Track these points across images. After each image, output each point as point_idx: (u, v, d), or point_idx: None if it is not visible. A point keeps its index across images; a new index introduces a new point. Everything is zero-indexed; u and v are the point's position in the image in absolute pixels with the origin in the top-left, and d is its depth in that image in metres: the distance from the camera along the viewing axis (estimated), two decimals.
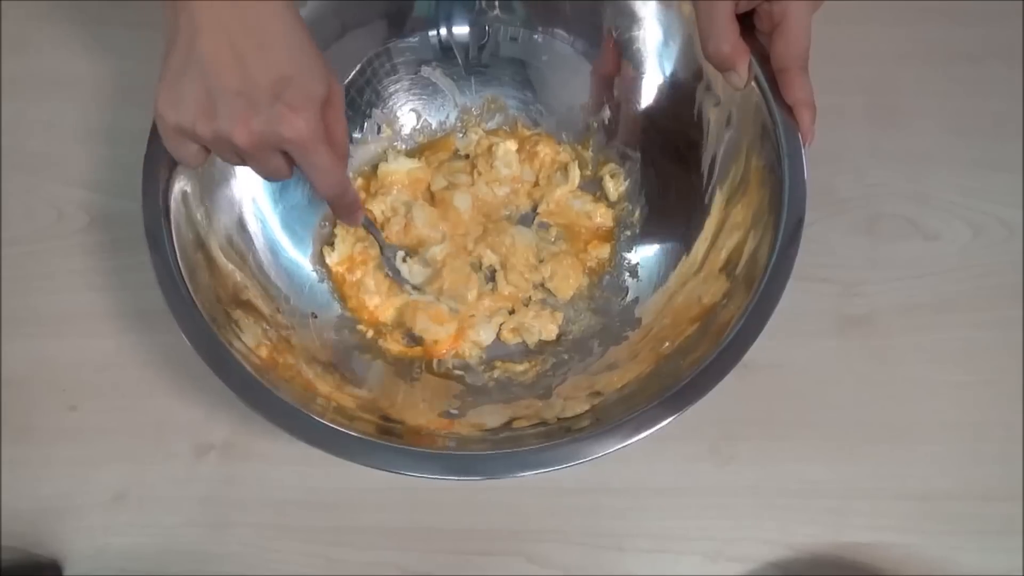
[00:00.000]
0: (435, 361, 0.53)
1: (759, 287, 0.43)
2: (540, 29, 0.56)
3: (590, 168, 0.58)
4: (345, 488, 0.51)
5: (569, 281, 0.55)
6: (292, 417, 0.41)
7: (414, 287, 0.55)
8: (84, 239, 0.57)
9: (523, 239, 0.56)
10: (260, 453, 0.52)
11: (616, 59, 0.55)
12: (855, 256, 0.57)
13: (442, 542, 0.51)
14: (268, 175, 0.41)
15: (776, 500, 0.51)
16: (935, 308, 0.55)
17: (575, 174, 0.58)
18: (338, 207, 0.46)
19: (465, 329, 0.54)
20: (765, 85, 0.46)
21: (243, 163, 0.41)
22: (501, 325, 0.54)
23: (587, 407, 0.46)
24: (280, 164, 0.40)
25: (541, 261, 0.56)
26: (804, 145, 0.46)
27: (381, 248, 0.55)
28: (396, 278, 0.55)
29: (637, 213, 0.56)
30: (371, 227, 0.54)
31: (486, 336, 0.54)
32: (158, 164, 0.46)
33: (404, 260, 0.55)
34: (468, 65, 0.58)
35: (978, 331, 0.55)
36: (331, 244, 0.55)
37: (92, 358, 0.54)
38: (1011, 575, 0.49)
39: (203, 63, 0.37)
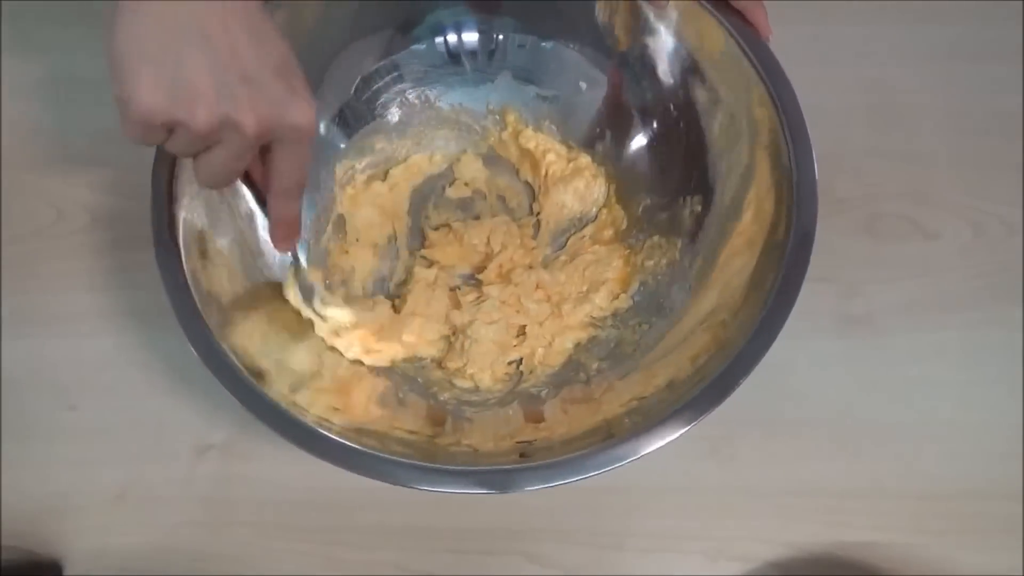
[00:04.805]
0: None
1: (770, 295, 0.43)
2: (548, 37, 0.55)
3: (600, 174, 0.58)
4: (345, 488, 0.51)
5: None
6: (319, 441, 0.41)
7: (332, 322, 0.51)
8: (84, 238, 0.57)
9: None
10: (260, 453, 0.52)
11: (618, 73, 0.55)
12: (855, 256, 0.57)
13: (442, 542, 0.51)
14: (220, 175, 0.37)
15: (776, 500, 0.51)
16: (935, 308, 0.55)
17: (600, 190, 0.57)
18: (286, 220, 0.43)
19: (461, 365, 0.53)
20: (765, 78, 0.47)
21: (198, 153, 0.37)
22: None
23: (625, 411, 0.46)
24: (246, 162, 0.37)
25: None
26: (766, 40, 0.47)
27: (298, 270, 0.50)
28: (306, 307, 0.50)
29: (643, 213, 0.56)
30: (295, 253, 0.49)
31: (491, 375, 0.53)
32: (166, 169, 0.45)
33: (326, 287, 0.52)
34: (476, 72, 0.57)
35: (978, 331, 0.55)
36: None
37: (92, 358, 0.54)
38: (1011, 575, 0.50)
39: (209, 34, 0.33)
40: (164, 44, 0.33)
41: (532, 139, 0.58)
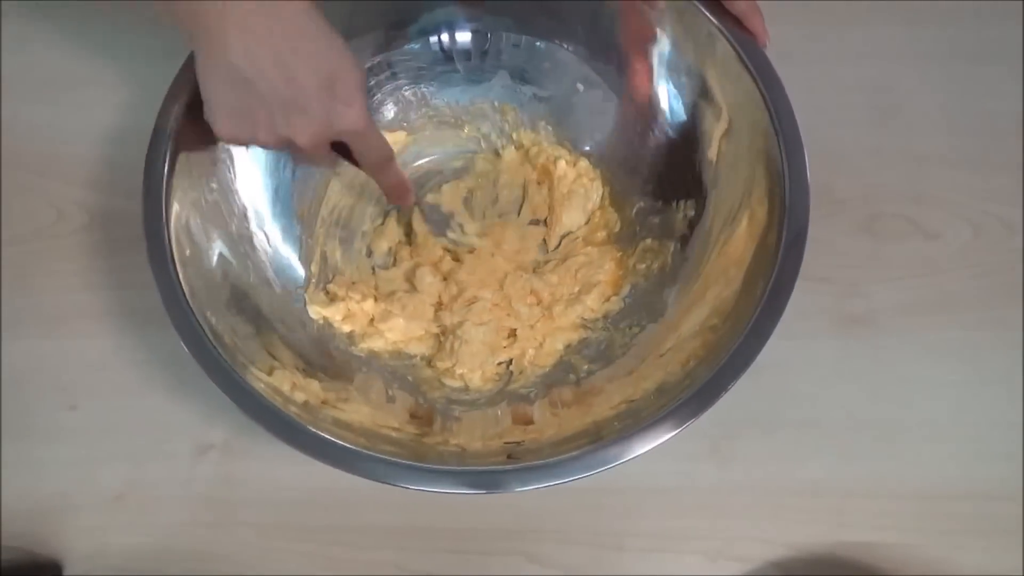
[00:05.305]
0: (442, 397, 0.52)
1: (761, 301, 0.43)
2: (541, 37, 0.55)
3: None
4: (345, 488, 0.51)
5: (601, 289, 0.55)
6: (307, 437, 0.42)
7: (463, 244, 0.56)
8: (84, 238, 0.57)
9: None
10: (260, 453, 0.52)
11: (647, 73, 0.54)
12: (855, 256, 0.57)
13: (442, 542, 0.51)
14: (312, 163, 0.47)
15: (776, 500, 0.51)
16: (935, 308, 0.55)
17: (596, 194, 0.57)
18: (391, 186, 0.49)
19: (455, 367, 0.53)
20: (760, 82, 0.47)
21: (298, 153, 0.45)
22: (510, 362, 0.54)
23: (614, 414, 0.46)
24: (331, 156, 0.45)
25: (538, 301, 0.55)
26: (763, 47, 0.47)
27: (424, 215, 0.57)
28: (438, 232, 0.56)
29: (636, 216, 0.56)
30: (421, 202, 0.56)
31: (481, 376, 0.53)
32: (158, 171, 0.46)
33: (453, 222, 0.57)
34: (471, 72, 0.57)
35: (978, 331, 0.55)
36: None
37: (92, 358, 0.54)
38: (1011, 575, 0.50)
39: (247, 78, 0.39)
40: (225, 89, 0.41)
41: (544, 153, 0.58)
